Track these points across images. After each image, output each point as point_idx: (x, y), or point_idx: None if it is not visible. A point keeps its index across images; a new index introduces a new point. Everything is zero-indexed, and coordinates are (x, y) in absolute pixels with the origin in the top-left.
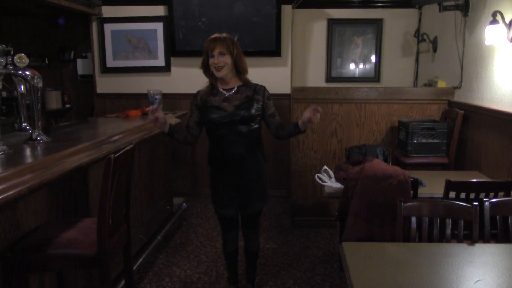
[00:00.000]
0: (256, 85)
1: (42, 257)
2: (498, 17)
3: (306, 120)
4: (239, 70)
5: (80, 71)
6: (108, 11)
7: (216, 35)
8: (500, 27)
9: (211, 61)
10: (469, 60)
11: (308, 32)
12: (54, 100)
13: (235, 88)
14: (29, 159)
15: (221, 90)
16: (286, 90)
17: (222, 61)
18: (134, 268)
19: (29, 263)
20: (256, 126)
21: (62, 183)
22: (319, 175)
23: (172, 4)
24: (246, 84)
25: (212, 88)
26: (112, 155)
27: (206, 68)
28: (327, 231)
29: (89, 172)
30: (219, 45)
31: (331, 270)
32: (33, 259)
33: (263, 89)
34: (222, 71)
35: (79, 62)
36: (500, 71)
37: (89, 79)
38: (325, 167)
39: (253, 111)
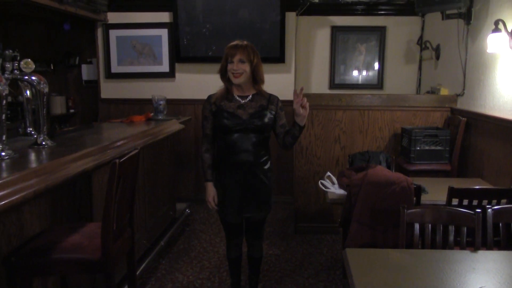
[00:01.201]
0: (270, 95)
1: (46, 261)
2: (501, 26)
3: (298, 113)
4: (256, 79)
5: (84, 77)
6: (113, 17)
7: (237, 42)
8: (502, 36)
9: (229, 66)
10: (471, 68)
11: (312, 39)
12: (59, 105)
13: (250, 96)
14: (34, 164)
15: (236, 96)
16: (290, 96)
17: (241, 68)
18: (137, 273)
19: (33, 267)
20: (266, 135)
21: (66, 188)
22: (323, 181)
23: (177, 11)
24: (261, 93)
25: (227, 94)
26: (117, 160)
27: (224, 73)
28: (330, 238)
29: (93, 177)
30: (240, 52)
31: (334, 277)
32: (37, 264)
33: (277, 99)
34: (240, 78)
35: (84, 67)
36: (502, 79)
37: (94, 85)
38: (329, 173)
39: (266, 120)
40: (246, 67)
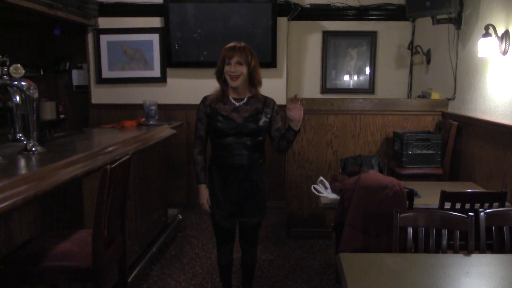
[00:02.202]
0: (266, 98)
1: (36, 269)
2: (491, 30)
3: (291, 118)
4: (253, 82)
5: (75, 82)
6: (104, 22)
7: (234, 43)
8: (492, 40)
9: (227, 68)
10: (462, 72)
11: (304, 44)
12: (49, 111)
13: (246, 99)
14: (24, 170)
15: (231, 99)
16: (282, 101)
17: (239, 70)
18: (128, 280)
19: (22, 275)
20: (261, 138)
21: (56, 194)
22: (315, 186)
23: (169, 16)
24: (256, 96)
25: (222, 96)
26: (108, 166)
27: (220, 75)
28: (323, 242)
29: (84, 183)
30: (237, 54)
31: (327, 282)
32: (26, 272)
33: (273, 102)
34: (237, 81)
35: (75, 72)
36: (493, 83)
37: (85, 90)
38: (321, 178)
39: (261, 124)
40: (244, 69)
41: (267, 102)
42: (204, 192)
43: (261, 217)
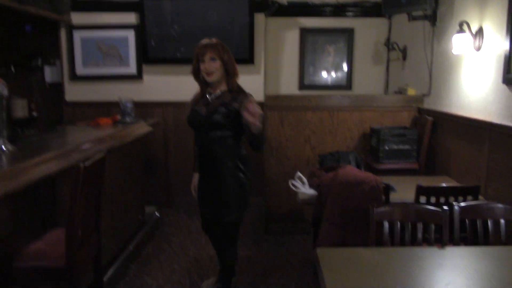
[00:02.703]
0: (240, 92)
1: (8, 270)
2: (465, 27)
3: (246, 121)
4: (230, 74)
5: (48, 79)
6: (77, 18)
7: (206, 40)
8: (466, 36)
9: (202, 66)
10: (437, 68)
11: (281, 40)
12: (20, 109)
13: (219, 93)
14: None
15: (207, 95)
16: (260, 97)
17: (213, 66)
18: (104, 279)
19: None
20: (228, 133)
21: (28, 193)
22: (293, 181)
23: (144, 12)
24: (232, 90)
25: (203, 92)
26: (82, 164)
27: (197, 74)
28: (301, 238)
29: (57, 181)
30: (209, 50)
31: (305, 277)
32: None
33: (243, 97)
34: (213, 76)
35: (47, 69)
36: (467, 79)
37: (58, 87)
38: (299, 173)
39: (221, 116)
40: (217, 65)
41: (237, 96)
42: (193, 180)
43: (227, 217)
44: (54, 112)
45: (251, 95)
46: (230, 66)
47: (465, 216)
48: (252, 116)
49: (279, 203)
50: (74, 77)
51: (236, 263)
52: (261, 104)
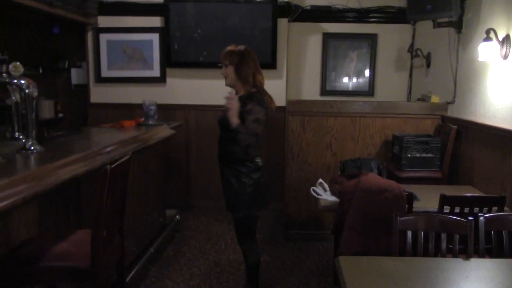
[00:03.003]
0: (253, 97)
1: (33, 270)
2: (492, 35)
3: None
4: (241, 80)
5: (74, 81)
6: (104, 21)
7: (228, 47)
8: (493, 44)
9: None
10: (462, 76)
11: (304, 45)
12: (47, 110)
13: (237, 97)
14: (23, 169)
15: None
16: (281, 102)
17: (225, 71)
18: (126, 280)
19: (20, 276)
20: (229, 134)
21: (55, 194)
22: (314, 188)
23: (169, 16)
24: (249, 95)
25: None
26: (109, 166)
27: None
28: (320, 245)
29: (82, 183)
30: (223, 57)
31: (325, 284)
32: (24, 272)
33: (250, 101)
34: (227, 81)
35: (74, 71)
36: (493, 87)
37: (84, 89)
38: (320, 180)
39: (223, 117)
40: (229, 70)
41: (245, 101)
42: None
43: (233, 213)
44: (79, 113)
45: (260, 101)
46: (241, 72)
47: (490, 227)
48: (228, 112)
49: (299, 209)
50: (99, 79)
51: (257, 262)
52: (282, 109)
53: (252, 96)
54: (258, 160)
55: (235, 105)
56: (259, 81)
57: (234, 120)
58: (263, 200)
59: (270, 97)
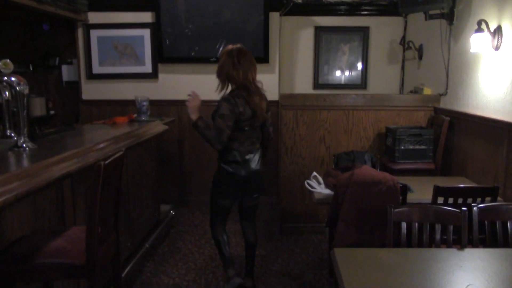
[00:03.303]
0: (225, 94)
1: (28, 267)
2: (483, 26)
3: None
4: (218, 78)
5: (65, 78)
6: (94, 17)
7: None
8: (485, 35)
9: None
10: (454, 68)
11: (296, 39)
12: (38, 107)
13: None
14: (15, 167)
15: None
16: (274, 97)
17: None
18: (122, 276)
19: (15, 273)
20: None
21: (48, 191)
22: (309, 181)
23: (160, 11)
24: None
25: None
26: (102, 163)
27: None
28: (315, 238)
29: (76, 179)
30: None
31: (320, 277)
32: (19, 269)
33: (220, 100)
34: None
35: (64, 68)
36: (485, 79)
37: (75, 86)
38: (315, 173)
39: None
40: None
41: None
42: None
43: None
44: (71, 110)
45: (226, 98)
46: (217, 70)
47: (484, 218)
48: (187, 109)
49: (293, 202)
50: (91, 75)
51: (217, 243)
52: (275, 103)
53: (229, 94)
54: (235, 153)
55: (192, 103)
56: (235, 79)
57: (192, 116)
58: (233, 192)
59: (260, 95)
